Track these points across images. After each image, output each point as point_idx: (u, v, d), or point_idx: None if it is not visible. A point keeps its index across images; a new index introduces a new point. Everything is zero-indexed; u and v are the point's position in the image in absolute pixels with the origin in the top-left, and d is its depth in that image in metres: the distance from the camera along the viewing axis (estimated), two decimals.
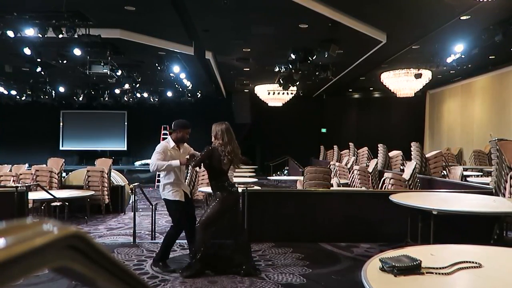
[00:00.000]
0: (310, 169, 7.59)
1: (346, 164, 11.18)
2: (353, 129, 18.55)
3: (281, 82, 12.21)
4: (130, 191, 8.26)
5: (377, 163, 9.38)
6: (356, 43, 9.37)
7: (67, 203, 6.44)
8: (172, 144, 4.50)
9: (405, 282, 1.79)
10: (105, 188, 7.88)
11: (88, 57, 9.18)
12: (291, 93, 15.03)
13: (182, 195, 4.50)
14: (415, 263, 1.88)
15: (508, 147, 5.37)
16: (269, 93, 15.15)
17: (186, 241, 5.52)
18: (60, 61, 9.47)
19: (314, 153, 17.48)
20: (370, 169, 8.93)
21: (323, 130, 19.14)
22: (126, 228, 6.66)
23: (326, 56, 8.99)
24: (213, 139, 4.28)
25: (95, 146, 18.59)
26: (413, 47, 9.69)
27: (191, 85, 13.45)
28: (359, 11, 7.82)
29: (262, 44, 9.83)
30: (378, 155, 10.68)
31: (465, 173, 8.61)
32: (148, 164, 4.93)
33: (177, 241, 5.56)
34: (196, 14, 7.81)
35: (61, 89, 14.85)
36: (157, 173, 4.45)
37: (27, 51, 8.59)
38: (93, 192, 7.39)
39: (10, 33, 7.38)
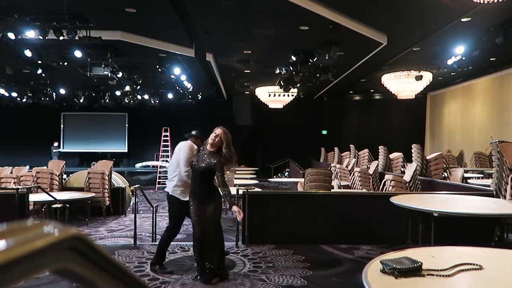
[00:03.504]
0: (310, 171, 7.59)
1: (346, 166, 11.18)
2: (354, 131, 18.54)
3: (282, 84, 12.21)
4: (130, 193, 8.26)
5: (377, 165, 9.37)
6: (357, 45, 9.38)
7: (67, 205, 6.43)
8: (195, 147, 4.40)
9: (406, 284, 1.79)
10: (106, 190, 7.88)
11: (88, 59, 9.19)
12: (292, 95, 15.03)
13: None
14: (416, 265, 1.88)
15: (509, 149, 5.36)
16: (269, 95, 15.15)
17: (186, 243, 5.53)
18: (61, 63, 9.48)
19: (314, 155, 17.48)
20: (370, 171, 8.93)
21: (324, 132, 19.13)
22: (127, 230, 6.66)
23: (326, 58, 9.00)
24: (224, 145, 3.98)
25: (96, 148, 18.60)
26: (413, 49, 9.69)
27: (191, 87, 13.45)
28: (360, 13, 7.83)
29: (263, 46, 9.84)
30: (379, 157, 10.66)
31: (465, 175, 8.59)
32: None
33: (178, 243, 5.57)
34: (197, 16, 7.82)
35: (62, 91, 14.86)
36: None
37: (28, 53, 8.60)
38: (93, 194, 7.39)
39: (11, 35, 7.39)
